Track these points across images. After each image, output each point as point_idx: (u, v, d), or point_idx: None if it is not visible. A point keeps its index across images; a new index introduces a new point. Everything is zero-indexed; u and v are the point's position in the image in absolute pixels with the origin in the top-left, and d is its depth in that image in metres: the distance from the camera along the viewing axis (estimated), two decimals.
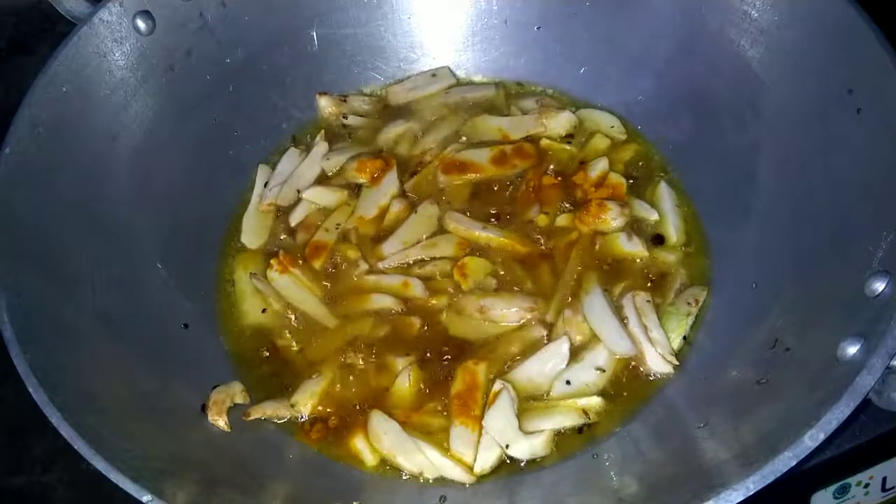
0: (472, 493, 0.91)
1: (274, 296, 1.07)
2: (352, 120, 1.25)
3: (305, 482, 0.93)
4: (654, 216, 1.11)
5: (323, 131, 1.23)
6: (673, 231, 1.10)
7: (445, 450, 0.93)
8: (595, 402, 0.96)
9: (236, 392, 0.97)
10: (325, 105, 1.26)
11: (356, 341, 1.03)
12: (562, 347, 0.98)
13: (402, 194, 1.16)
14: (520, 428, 0.93)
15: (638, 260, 1.07)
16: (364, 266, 1.09)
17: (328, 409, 0.98)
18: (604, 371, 0.98)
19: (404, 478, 0.93)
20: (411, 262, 1.09)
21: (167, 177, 1.11)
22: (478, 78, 1.30)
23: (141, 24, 1.06)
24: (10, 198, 0.90)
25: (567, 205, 1.12)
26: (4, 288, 0.83)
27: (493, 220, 1.12)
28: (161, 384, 0.94)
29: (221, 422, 0.93)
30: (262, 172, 1.20)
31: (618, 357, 0.99)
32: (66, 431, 0.75)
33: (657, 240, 1.09)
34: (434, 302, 1.05)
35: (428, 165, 1.19)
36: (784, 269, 0.95)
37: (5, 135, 0.93)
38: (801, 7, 0.99)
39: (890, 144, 0.85)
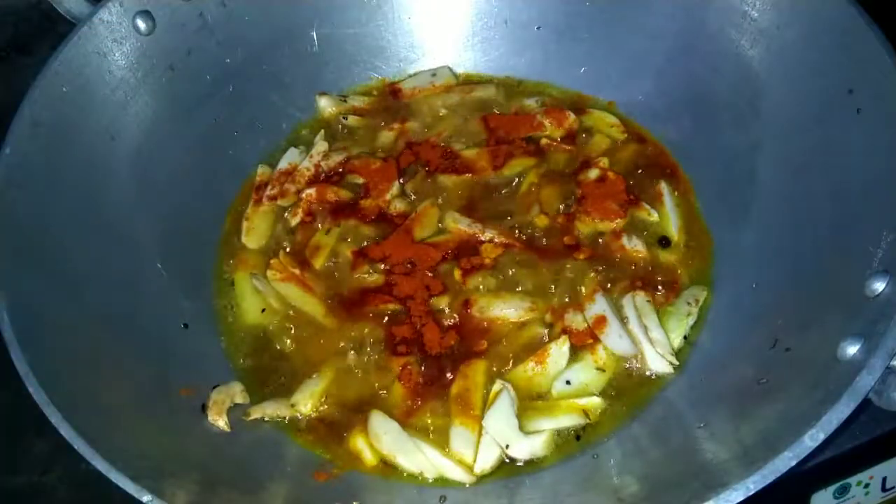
0: (472, 493, 0.91)
1: (274, 296, 1.07)
2: (352, 120, 1.25)
3: (305, 482, 0.93)
4: (654, 216, 1.11)
5: (323, 131, 1.23)
6: (673, 231, 1.10)
7: (445, 450, 0.93)
8: (595, 402, 0.96)
9: (236, 392, 0.97)
10: (325, 105, 1.26)
11: (356, 341, 1.03)
12: (562, 347, 0.98)
13: (402, 194, 1.16)
14: (520, 428, 0.93)
15: (638, 260, 1.07)
16: (364, 266, 1.09)
17: (328, 410, 0.98)
18: (604, 371, 0.98)
19: (404, 478, 0.93)
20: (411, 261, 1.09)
21: (167, 177, 1.11)
22: (478, 78, 1.30)
23: (141, 24, 1.06)
24: (10, 198, 0.90)
25: (567, 205, 1.12)
26: (4, 288, 0.83)
27: (493, 220, 1.12)
28: (161, 384, 0.94)
29: (221, 422, 0.93)
30: (262, 172, 1.20)
31: (618, 357, 0.99)
32: (66, 431, 0.75)
33: (663, 242, 1.09)
34: (434, 302, 1.05)
35: (428, 165, 1.19)
36: (784, 269, 0.95)
37: (5, 135, 0.93)
38: (801, 7, 0.99)
39: (890, 144, 0.85)
